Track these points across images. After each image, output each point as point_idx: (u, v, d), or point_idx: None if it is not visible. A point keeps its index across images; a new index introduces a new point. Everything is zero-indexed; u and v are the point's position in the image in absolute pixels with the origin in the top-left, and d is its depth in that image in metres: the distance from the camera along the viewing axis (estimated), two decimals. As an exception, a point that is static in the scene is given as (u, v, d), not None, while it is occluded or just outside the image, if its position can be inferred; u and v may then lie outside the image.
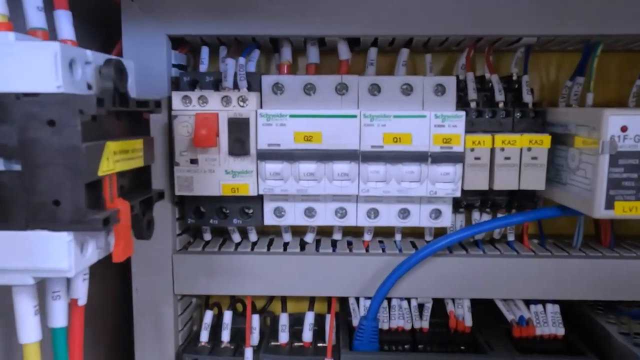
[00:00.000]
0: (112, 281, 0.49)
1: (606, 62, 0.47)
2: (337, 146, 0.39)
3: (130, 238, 0.28)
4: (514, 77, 0.43)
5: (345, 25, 0.39)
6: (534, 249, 0.44)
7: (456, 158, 0.39)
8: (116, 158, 0.27)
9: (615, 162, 0.33)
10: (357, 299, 0.45)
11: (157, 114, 0.40)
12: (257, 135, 0.39)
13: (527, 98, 0.42)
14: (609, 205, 0.34)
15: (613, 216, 0.34)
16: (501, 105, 0.41)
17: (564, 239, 0.47)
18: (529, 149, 0.39)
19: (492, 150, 0.39)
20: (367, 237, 0.45)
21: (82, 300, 0.29)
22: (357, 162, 0.39)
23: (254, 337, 0.44)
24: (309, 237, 0.45)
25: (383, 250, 0.44)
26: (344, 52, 0.42)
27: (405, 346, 0.45)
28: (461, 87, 0.42)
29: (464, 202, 0.43)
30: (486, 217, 0.44)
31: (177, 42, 0.42)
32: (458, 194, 0.40)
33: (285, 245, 0.45)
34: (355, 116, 0.38)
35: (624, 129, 0.33)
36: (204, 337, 0.44)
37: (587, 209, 0.35)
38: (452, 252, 0.43)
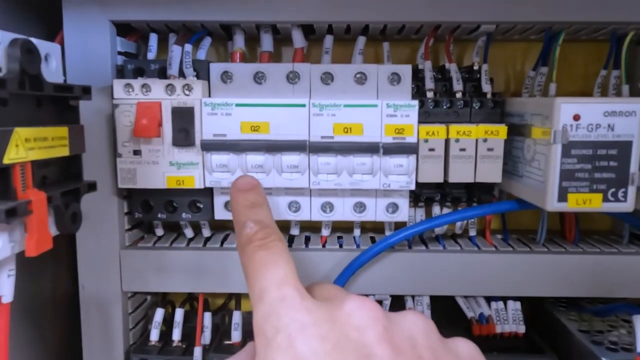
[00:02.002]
0: (63, 278, 0.47)
1: (572, 53, 0.46)
2: (286, 137, 0.37)
3: (47, 231, 0.26)
4: (475, 67, 0.42)
5: (295, 11, 0.38)
6: (496, 244, 0.43)
7: (409, 149, 0.37)
8: (30, 146, 0.25)
9: (568, 153, 0.32)
10: (314, 296, 0.43)
11: (102, 103, 0.38)
12: (202, 125, 0.37)
13: (486, 88, 0.40)
14: (562, 197, 0.32)
15: (566, 209, 0.32)
16: (459, 95, 0.40)
17: (528, 234, 0.45)
18: (485, 140, 0.37)
19: (447, 141, 0.38)
20: (325, 232, 0.43)
21: (7, 298, 0.28)
22: (306, 154, 0.37)
23: (206, 336, 0.42)
24: (265, 232, 0.44)
25: (340, 245, 0.43)
26: (298, 39, 0.40)
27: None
28: (420, 77, 0.41)
29: (423, 196, 0.42)
30: (447, 211, 0.42)
31: (124, 29, 0.40)
32: (412, 187, 0.38)
33: (240, 240, 0.43)
34: (304, 105, 0.37)
35: (576, 117, 0.31)
36: (154, 335, 0.43)
37: (540, 202, 0.34)
38: (411, 248, 0.42)
